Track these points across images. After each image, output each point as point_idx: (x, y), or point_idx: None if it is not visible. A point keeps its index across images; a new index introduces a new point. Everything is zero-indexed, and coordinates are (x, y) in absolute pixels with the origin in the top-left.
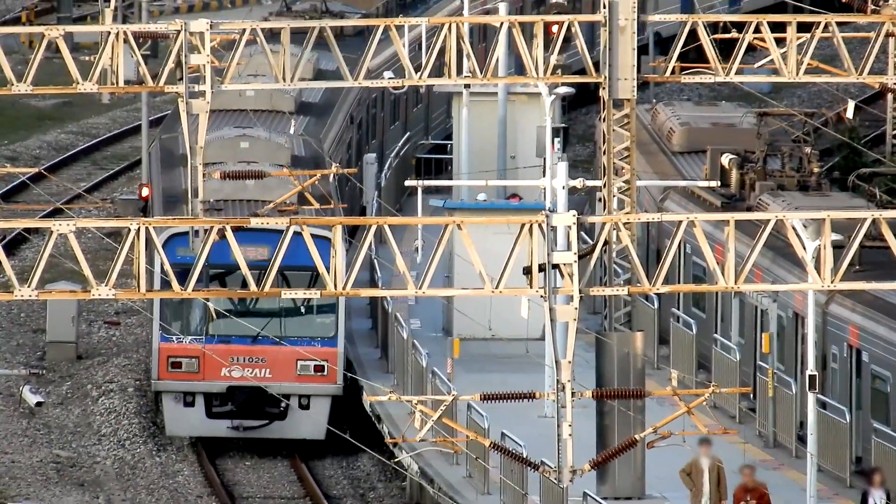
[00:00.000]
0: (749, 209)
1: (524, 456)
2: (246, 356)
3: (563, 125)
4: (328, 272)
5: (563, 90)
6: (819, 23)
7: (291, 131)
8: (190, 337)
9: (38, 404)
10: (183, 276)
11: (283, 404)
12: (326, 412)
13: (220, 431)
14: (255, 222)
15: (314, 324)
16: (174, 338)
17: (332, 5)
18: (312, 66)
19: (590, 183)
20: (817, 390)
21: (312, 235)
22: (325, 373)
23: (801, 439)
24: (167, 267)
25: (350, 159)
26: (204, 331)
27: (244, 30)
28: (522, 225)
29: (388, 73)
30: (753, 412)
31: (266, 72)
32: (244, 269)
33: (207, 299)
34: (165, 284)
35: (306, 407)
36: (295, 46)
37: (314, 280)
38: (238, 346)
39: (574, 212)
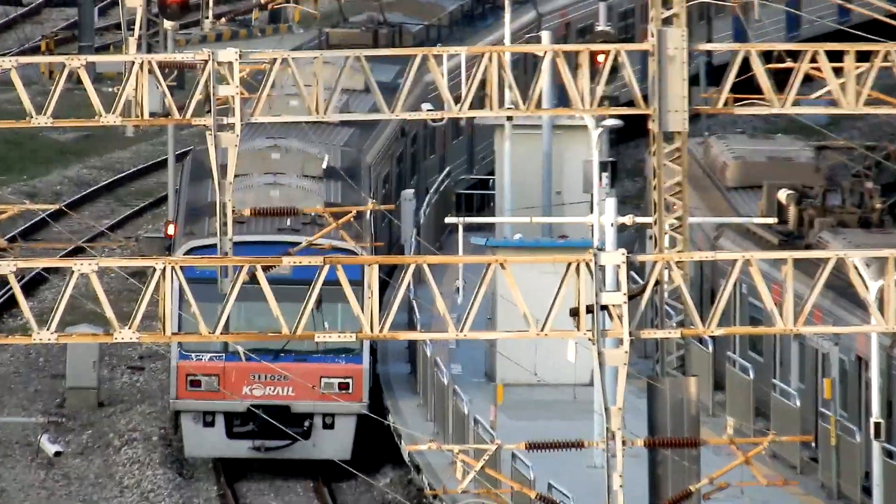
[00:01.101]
0: (808, 247)
1: None
2: (267, 374)
3: (611, 159)
4: (363, 312)
5: (610, 122)
6: (878, 52)
7: (324, 165)
8: (209, 354)
9: (58, 454)
10: (203, 291)
11: (306, 423)
12: (352, 431)
13: (241, 452)
14: (287, 261)
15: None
16: (193, 355)
17: (392, 16)
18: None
19: (640, 220)
20: (883, 438)
21: (338, 249)
22: (350, 390)
23: (867, 491)
24: (184, 285)
25: (401, 174)
26: (224, 348)
27: (275, 59)
28: (569, 264)
29: (426, 105)
30: (815, 462)
31: (309, 82)
32: (275, 311)
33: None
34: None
35: (331, 426)
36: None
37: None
38: (259, 363)
39: (623, 250)
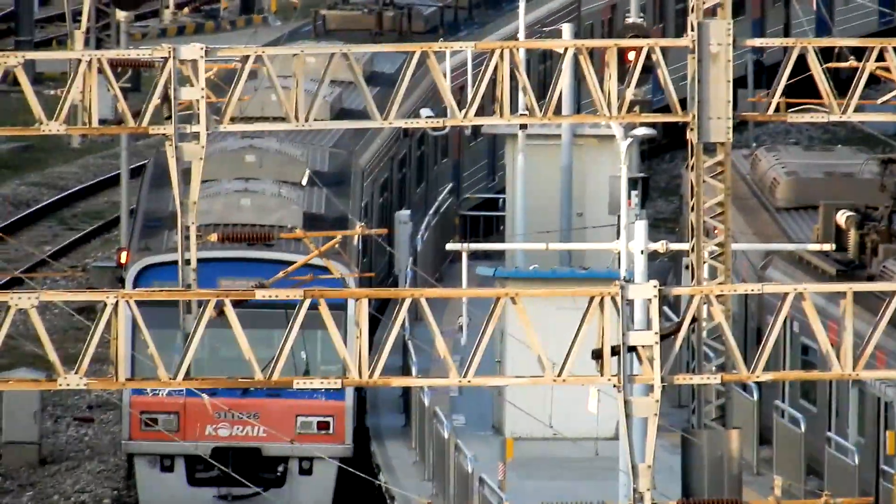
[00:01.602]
0: (871, 278)
1: None
2: (234, 411)
3: (642, 175)
4: (350, 354)
5: (641, 132)
6: None
7: (304, 181)
8: (167, 388)
9: None
10: (160, 316)
11: (280, 469)
12: (333, 478)
13: (204, 501)
14: (260, 294)
15: (318, 372)
16: (148, 390)
17: None
18: (361, 69)
19: (674, 246)
20: None
21: (319, 271)
22: (331, 431)
23: None
24: (138, 318)
25: (405, 182)
26: None
27: (247, 57)
28: (591, 298)
29: (425, 111)
30: None
31: (289, 73)
32: (247, 354)
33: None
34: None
35: (308, 472)
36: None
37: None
38: (225, 399)
39: (655, 282)
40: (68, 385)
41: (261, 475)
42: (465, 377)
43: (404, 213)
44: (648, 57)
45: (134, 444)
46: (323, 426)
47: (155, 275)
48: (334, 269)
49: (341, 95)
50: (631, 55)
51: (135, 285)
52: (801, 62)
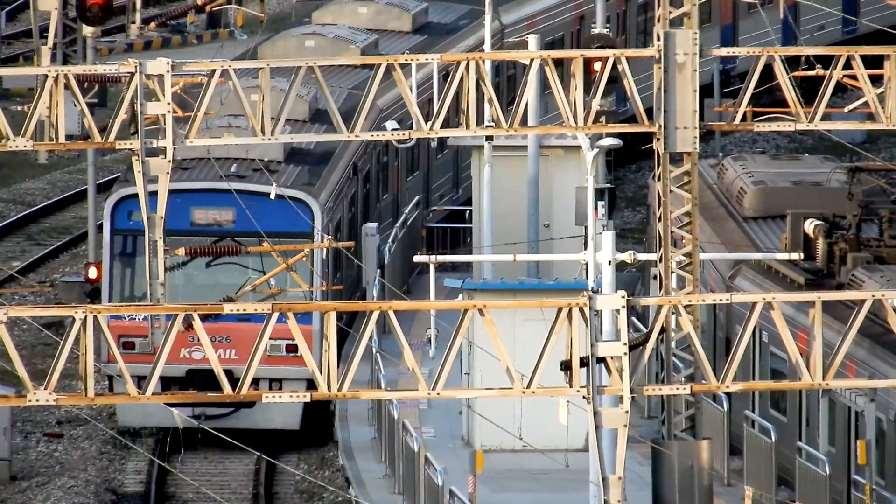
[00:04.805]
0: (840, 287)
1: None
2: (208, 335)
3: (609, 185)
4: (320, 370)
5: (608, 142)
6: None
7: (272, 196)
8: (144, 313)
9: None
10: (133, 244)
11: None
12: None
13: (179, 421)
14: (228, 308)
15: (287, 297)
16: (126, 315)
17: None
18: (412, 19)
19: (642, 256)
20: None
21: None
22: (300, 354)
23: None
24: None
25: (378, 176)
26: None
27: (213, 71)
28: (559, 309)
29: (390, 123)
30: None
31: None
32: (217, 370)
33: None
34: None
35: None
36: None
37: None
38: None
39: (623, 293)
40: (38, 401)
41: None
42: (434, 389)
43: (371, 226)
44: (614, 67)
45: (112, 367)
46: (291, 349)
47: (132, 203)
48: (303, 283)
49: (377, 42)
50: (597, 66)
51: (112, 215)
52: (770, 71)
